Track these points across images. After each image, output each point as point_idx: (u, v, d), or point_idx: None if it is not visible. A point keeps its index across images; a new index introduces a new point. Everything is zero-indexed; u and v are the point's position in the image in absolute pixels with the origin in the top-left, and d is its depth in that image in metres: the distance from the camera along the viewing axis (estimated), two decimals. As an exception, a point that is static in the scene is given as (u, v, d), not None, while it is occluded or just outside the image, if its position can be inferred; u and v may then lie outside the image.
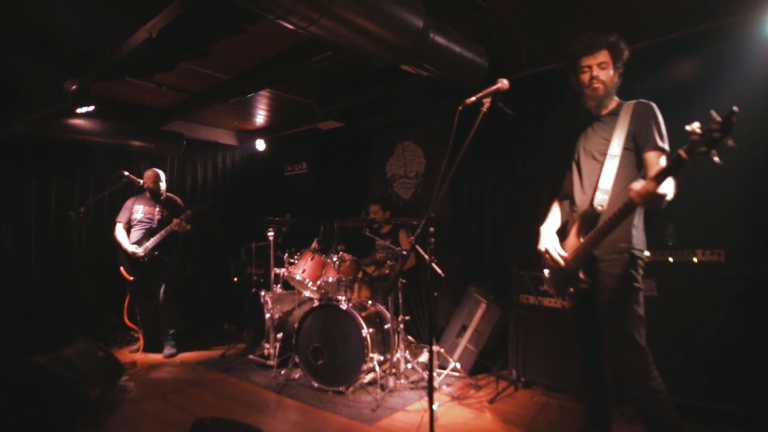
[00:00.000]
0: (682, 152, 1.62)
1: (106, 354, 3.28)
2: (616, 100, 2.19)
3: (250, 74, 4.00)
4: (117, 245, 4.44)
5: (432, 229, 1.98)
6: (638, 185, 1.75)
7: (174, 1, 2.56)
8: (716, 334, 2.64)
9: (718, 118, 1.50)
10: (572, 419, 2.77)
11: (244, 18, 2.87)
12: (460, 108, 1.95)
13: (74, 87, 3.50)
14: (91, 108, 4.05)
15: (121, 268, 4.37)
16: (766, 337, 2.49)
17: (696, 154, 1.57)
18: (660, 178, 1.70)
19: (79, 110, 4.09)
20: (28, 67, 3.39)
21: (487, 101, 1.97)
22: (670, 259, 2.94)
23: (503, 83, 1.97)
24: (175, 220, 4.28)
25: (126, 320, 4.51)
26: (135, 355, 4.41)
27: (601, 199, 2.04)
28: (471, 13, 2.85)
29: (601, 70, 2.10)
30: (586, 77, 2.13)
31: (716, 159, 1.55)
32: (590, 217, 2.07)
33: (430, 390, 1.97)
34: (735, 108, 1.46)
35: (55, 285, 4.73)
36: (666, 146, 1.96)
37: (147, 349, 4.48)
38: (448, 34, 2.71)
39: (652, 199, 1.74)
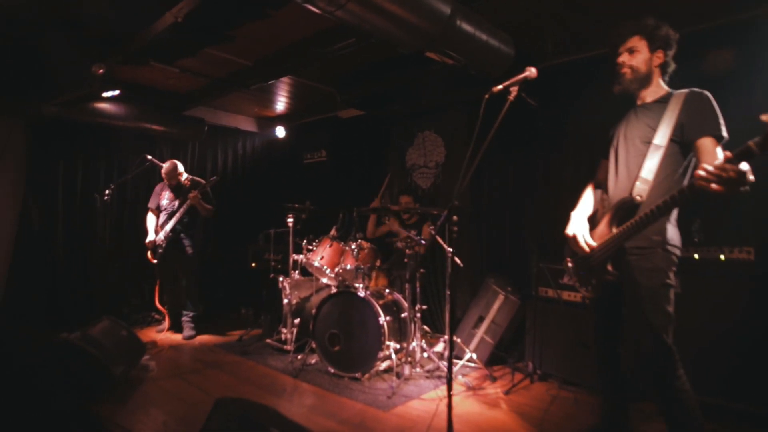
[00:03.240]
0: (752, 145, 1.45)
1: (129, 333, 3.37)
2: (663, 87, 2.09)
3: (273, 60, 4.00)
4: (146, 231, 4.60)
5: (455, 218, 1.95)
6: (704, 168, 1.54)
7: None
8: (743, 334, 2.57)
9: None
10: (588, 413, 2.75)
11: (269, 3, 2.86)
12: (487, 96, 1.92)
13: (101, 71, 3.56)
14: (117, 92, 4.12)
15: (149, 252, 4.48)
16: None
17: None
18: (732, 162, 1.50)
19: (104, 94, 4.16)
20: (56, 51, 3.45)
21: (514, 90, 1.94)
22: (696, 256, 2.87)
23: (531, 72, 1.93)
24: (192, 194, 4.29)
25: (157, 302, 4.64)
26: (159, 335, 4.53)
27: (641, 189, 1.93)
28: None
29: (629, 56, 2.05)
30: (617, 64, 2.09)
31: None
32: (627, 206, 1.97)
33: (449, 379, 1.97)
34: None
35: (79, 265, 4.87)
36: (724, 134, 1.84)
37: (170, 330, 4.61)
38: (475, 21, 2.67)
39: (737, 177, 1.49)
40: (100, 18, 3.21)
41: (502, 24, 3.02)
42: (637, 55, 2.04)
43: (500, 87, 1.94)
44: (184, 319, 4.55)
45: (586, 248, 2.09)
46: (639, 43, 2.04)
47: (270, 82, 4.37)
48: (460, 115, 4.76)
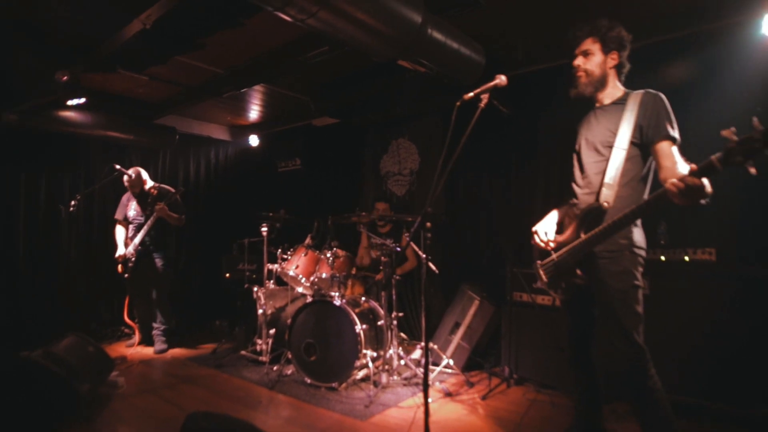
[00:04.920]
0: (715, 160, 1.49)
1: (96, 349, 3.24)
2: (620, 88, 2.13)
3: (246, 68, 3.97)
4: (114, 243, 4.47)
5: (429, 224, 1.95)
6: (675, 180, 1.60)
7: (170, -8, 2.54)
8: (706, 332, 2.67)
9: (761, 128, 1.38)
10: (564, 416, 2.79)
11: (241, 11, 2.84)
12: (458, 103, 1.94)
13: (65, 78, 3.45)
14: (82, 100, 4.00)
15: (119, 266, 4.35)
16: (755, 336, 2.53)
17: (731, 163, 1.45)
18: (696, 176, 1.55)
19: (69, 102, 4.03)
20: (18, 56, 3.34)
21: (484, 97, 1.96)
22: (662, 258, 2.97)
23: (501, 79, 1.96)
24: (158, 206, 4.18)
25: (125, 317, 4.49)
26: (129, 349, 4.39)
27: (607, 195, 1.97)
28: (469, 10, 2.85)
29: (584, 59, 2.10)
30: (573, 67, 2.15)
31: (753, 170, 1.42)
32: (594, 213, 2.00)
33: (425, 386, 1.96)
34: None
35: (43, 279, 4.68)
36: (677, 135, 1.90)
37: (140, 344, 4.48)
38: (446, 30, 2.71)
39: (695, 192, 1.56)
40: (65, 23, 3.13)
41: (472, 33, 3.07)
42: (591, 58, 2.09)
43: (471, 94, 1.96)
44: (155, 332, 4.42)
45: (544, 245, 2.15)
46: (593, 46, 2.08)
47: (243, 91, 4.33)
48: (434, 123, 4.81)
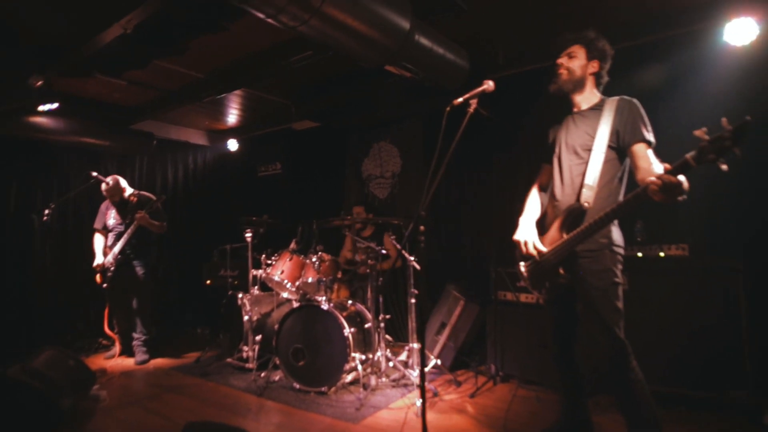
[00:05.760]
0: (690, 159, 1.59)
1: (77, 362, 3.15)
2: (597, 94, 2.23)
3: (227, 73, 3.93)
4: (92, 253, 4.34)
5: (423, 228, 1.98)
6: (653, 178, 1.68)
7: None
8: (682, 323, 2.79)
9: (729, 127, 1.48)
10: (550, 411, 2.86)
11: (226, 15, 2.82)
12: (448, 109, 1.98)
13: (39, 83, 3.35)
14: (55, 105, 3.88)
15: (98, 276, 4.23)
16: (724, 323, 2.68)
17: (704, 161, 1.55)
18: (672, 173, 1.64)
19: (41, 107, 3.90)
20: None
21: (473, 102, 2.02)
22: (639, 254, 3.10)
23: (489, 85, 2.02)
24: (139, 214, 4.08)
25: (105, 327, 4.37)
26: (108, 361, 4.26)
27: (588, 195, 2.05)
28: (451, 15, 2.91)
29: (568, 59, 2.21)
30: (556, 64, 2.25)
31: (724, 167, 1.52)
32: (575, 213, 2.09)
33: (422, 386, 1.99)
34: (748, 117, 1.46)
35: (15, 291, 4.50)
36: (652, 139, 2.00)
37: (121, 355, 4.37)
38: (432, 36, 2.77)
39: (673, 188, 1.65)
40: (42, 26, 3.04)
41: (455, 39, 3.13)
42: (574, 60, 2.20)
43: (460, 100, 2.01)
44: (135, 342, 4.30)
45: (535, 253, 2.19)
46: (578, 51, 2.20)
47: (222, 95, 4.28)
48: (415, 126, 4.87)
